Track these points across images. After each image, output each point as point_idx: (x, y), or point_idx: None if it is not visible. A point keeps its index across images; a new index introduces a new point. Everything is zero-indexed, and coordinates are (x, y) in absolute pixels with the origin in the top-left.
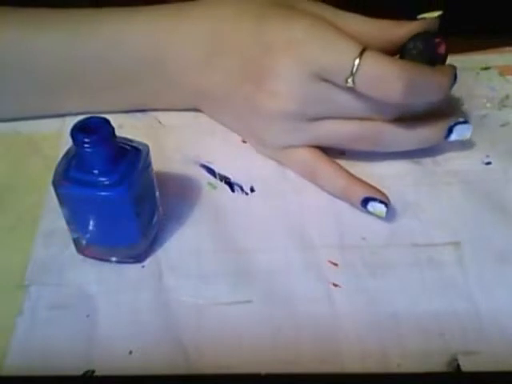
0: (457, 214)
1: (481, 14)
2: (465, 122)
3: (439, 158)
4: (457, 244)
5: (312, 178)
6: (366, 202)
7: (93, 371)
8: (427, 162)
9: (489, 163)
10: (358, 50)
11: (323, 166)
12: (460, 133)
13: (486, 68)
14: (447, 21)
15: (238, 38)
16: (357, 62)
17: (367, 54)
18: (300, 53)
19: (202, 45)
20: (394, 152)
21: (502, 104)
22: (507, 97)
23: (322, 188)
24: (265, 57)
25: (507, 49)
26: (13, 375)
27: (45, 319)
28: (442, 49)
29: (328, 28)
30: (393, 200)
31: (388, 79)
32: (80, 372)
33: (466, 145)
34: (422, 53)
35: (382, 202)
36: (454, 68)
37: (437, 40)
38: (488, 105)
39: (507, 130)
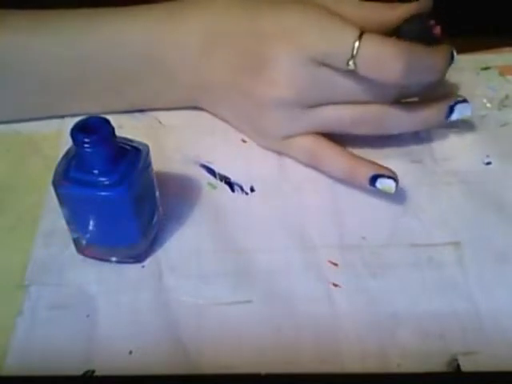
0: (457, 214)
1: (481, 14)
2: (464, 101)
3: (439, 157)
4: (457, 244)
5: (316, 164)
6: (374, 179)
7: (93, 371)
8: (427, 161)
9: (489, 163)
10: (357, 33)
11: (326, 150)
12: (460, 111)
13: (486, 68)
14: (447, 21)
15: (232, 31)
16: (357, 44)
17: (366, 36)
18: (297, 39)
19: (199, 40)
20: (394, 151)
21: (502, 104)
22: (507, 97)
23: (328, 173)
24: (261, 46)
25: (507, 49)
26: (13, 375)
27: (45, 319)
28: (437, 30)
29: (323, 13)
30: (393, 200)
31: (388, 60)
32: (80, 372)
33: (466, 145)
34: (418, 35)
35: (389, 177)
36: (450, 47)
37: (432, 22)
38: (488, 105)
39: (507, 129)
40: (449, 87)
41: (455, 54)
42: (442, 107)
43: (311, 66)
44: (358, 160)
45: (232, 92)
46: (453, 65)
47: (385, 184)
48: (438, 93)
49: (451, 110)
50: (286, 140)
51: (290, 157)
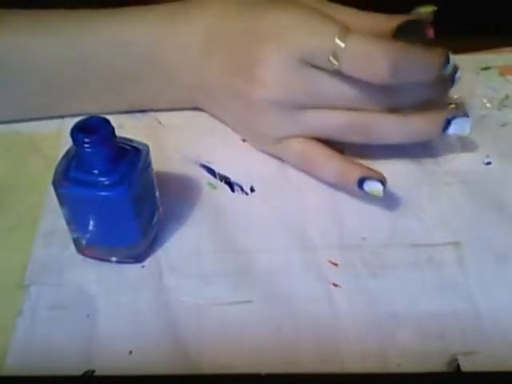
0: (457, 214)
1: (481, 14)
2: (464, 116)
3: (439, 157)
4: (457, 244)
5: (307, 167)
6: (361, 182)
7: (93, 371)
8: (427, 161)
9: (489, 163)
10: (339, 30)
11: (317, 154)
12: (459, 127)
13: (486, 68)
14: (447, 21)
15: (229, 32)
16: (339, 41)
17: (350, 33)
18: (285, 40)
19: (200, 41)
20: (394, 152)
21: (502, 104)
22: (507, 97)
23: (319, 176)
24: (252, 47)
25: (507, 49)
26: (13, 375)
27: (45, 319)
28: (430, 33)
29: (312, 14)
30: (393, 200)
31: (373, 57)
32: (80, 372)
33: (466, 145)
34: (411, 38)
35: (378, 180)
36: (444, 50)
37: (425, 25)
38: (488, 105)
39: (507, 130)
40: (450, 100)
41: (451, 58)
42: (439, 120)
43: (300, 67)
44: (348, 163)
45: (227, 93)
46: None
47: (372, 187)
48: (437, 103)
49: (448, 123)
50: (278, 142)
51: (283, 160)
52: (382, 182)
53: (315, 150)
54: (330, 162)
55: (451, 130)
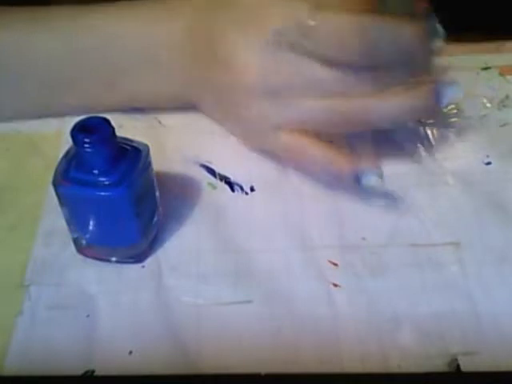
0: (457, 214)
1: (481, 13)
2: (453, 82)
3: (439, 158)
4: (457, 244)
5: (299, 159)
6: (358, 178)
7: (93, 371)
8: (427, 161)
9: (489, 163)
10: (308, 7)
11: (306, 146)
12: (451, 93)
13: (486, 68)
14: (448, 21)
15: (209, 26)
16: (310, 20)
17: (321, 11)
18: (257, 24)
19: (180, 41)
20: (394, 152)
21: (502, 104)
22: (507, 97)
23: (312, 168)
24: (226, 38)
25: (507, 49)
26: (13, 375)
27: (45, 319)
28: (420, 6)
29: None
30: (393, 200)
31: (343, 34)
32: (80, 372)
33: (466, 145)
34: (397, 10)
35: (375, 173)
36: (429, 23)
37: None
38: (488, 105)
39: (507, 130)
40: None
41: (440, 29)
42: (430, 89)
43: (273, 49)
44: (341, 157)
45: (213, 90)
46: (453, 65)
47: (368, 180)
48: (425, 79)
49: (440, 93)
50: (267, 136)
51: (277, 156)
52: (377, 172)
53: (306, 141)
54: (321, 156)
55: (447, 96)
